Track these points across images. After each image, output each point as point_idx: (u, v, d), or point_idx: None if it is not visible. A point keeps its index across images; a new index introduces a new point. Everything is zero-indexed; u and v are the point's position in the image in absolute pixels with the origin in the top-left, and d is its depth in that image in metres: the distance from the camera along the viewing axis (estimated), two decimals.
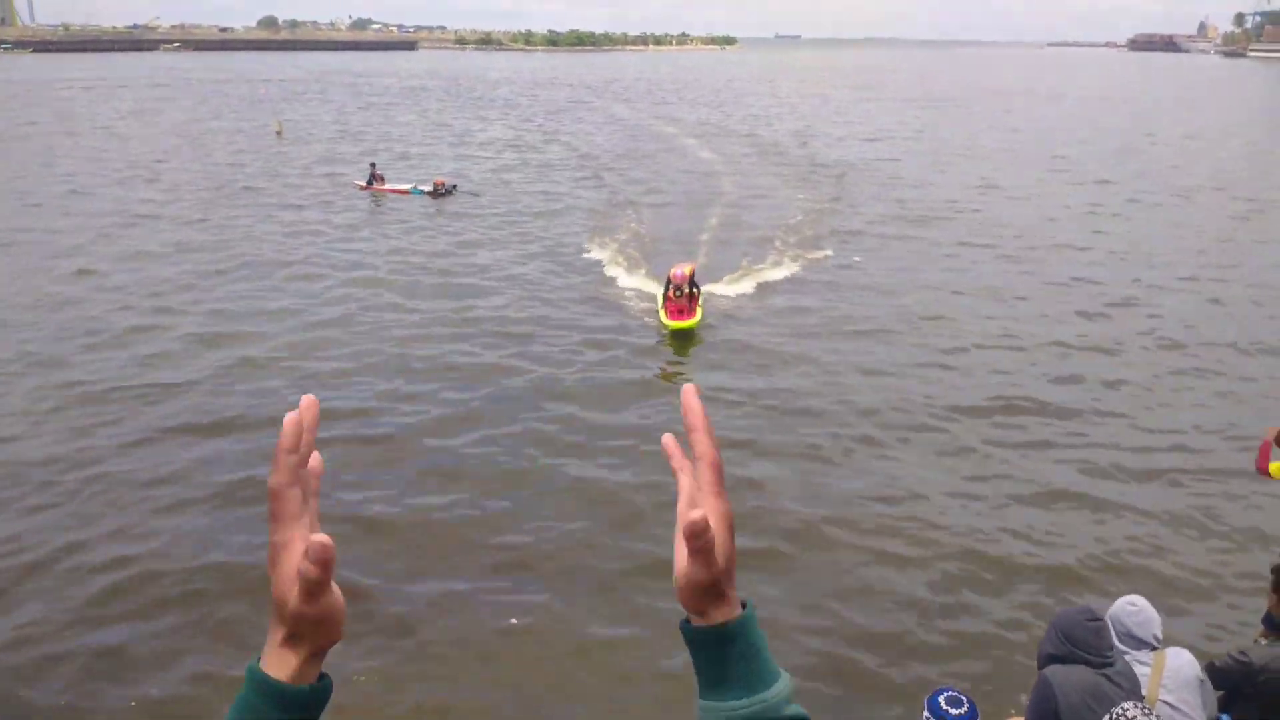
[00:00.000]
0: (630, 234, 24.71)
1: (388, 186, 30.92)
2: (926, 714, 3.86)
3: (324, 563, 0.88)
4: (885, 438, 12.58)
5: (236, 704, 0.94)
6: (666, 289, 16.85)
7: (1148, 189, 32.78)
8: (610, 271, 21.02)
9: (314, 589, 0.90)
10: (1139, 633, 4.38)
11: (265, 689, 0.92)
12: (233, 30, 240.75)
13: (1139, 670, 4.28)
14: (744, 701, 0.98)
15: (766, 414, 13.25)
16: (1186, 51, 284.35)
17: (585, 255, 22.62)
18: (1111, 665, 4.05)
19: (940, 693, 3.91)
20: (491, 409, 13.39)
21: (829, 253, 22.55)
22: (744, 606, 1.00)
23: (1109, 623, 4.40)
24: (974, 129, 53.59)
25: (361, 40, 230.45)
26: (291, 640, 0.93)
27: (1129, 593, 4.68)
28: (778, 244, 23.31)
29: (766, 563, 9.38)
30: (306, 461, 0.94)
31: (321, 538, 0.88)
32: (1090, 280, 20.40)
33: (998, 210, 28.61)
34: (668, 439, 1.04)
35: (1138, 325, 17.66)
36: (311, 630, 0.93)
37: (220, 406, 13.30)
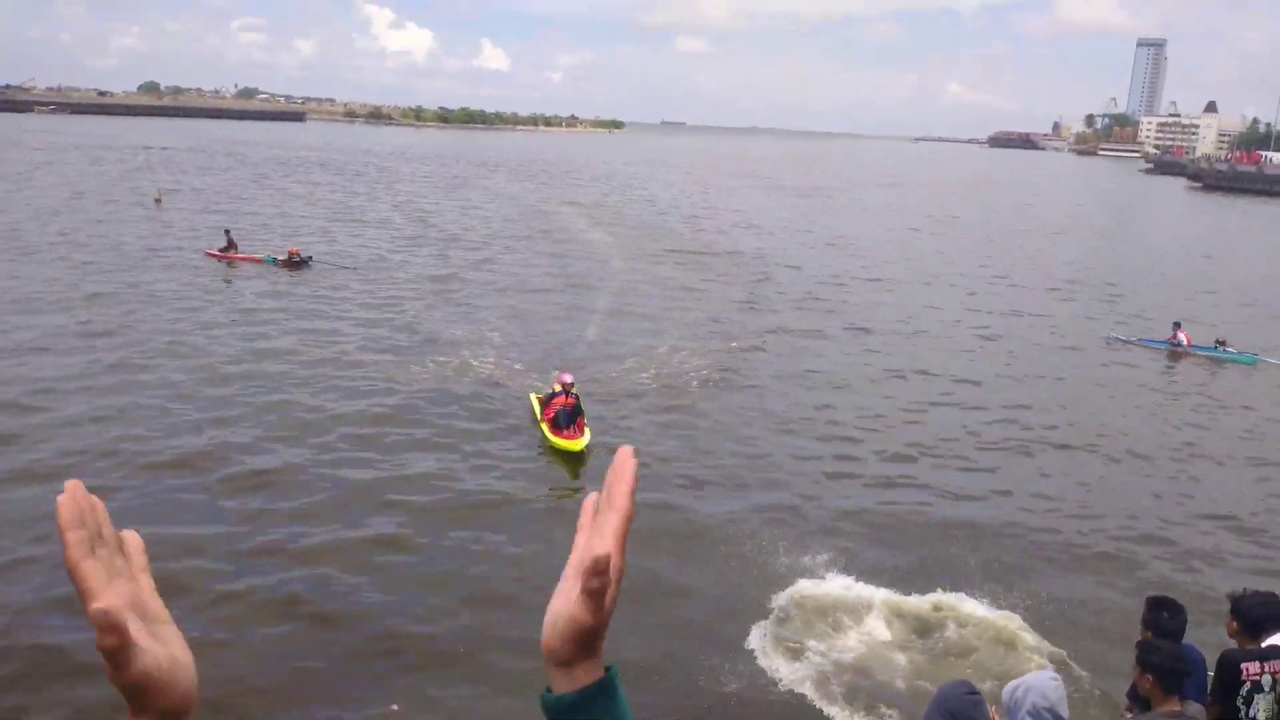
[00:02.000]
0: (508, 323, 23.74)
1: (241, 255, 30.08)
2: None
3: (108, 628, 0.81)
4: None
5: None
6: (549, 399, 15.20)
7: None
8: (483, 365, 19.60)
9: (113, 658, 0.83)
10: (1060, 709, 4.47)
11: None
12: (112, 95, 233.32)
13: None
14: None
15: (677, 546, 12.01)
16: (1042, 149, 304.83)
17: (456, 342, 21.39)
18: None
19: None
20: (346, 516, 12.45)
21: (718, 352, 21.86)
22: (607, 671, 0.95)
23: (1020, 694, 4.52)
24: (875, 220, 56.22)
25: (248, 109, 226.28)
26: (137, 714, 0.87)
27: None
28: (667, 342, 22.26)
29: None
30: (100, 535, 0.87)
31: (99, 603, 0.82)
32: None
33: (888, 297, 30.02)
34: (589, 500, 0.98)
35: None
36: (142, 698, 0.86)
37: None
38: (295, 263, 29.14)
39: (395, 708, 8.31)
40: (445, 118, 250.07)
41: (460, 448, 15.02)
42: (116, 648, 0.83)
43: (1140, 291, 33.69)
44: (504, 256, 34.55)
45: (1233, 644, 5.31)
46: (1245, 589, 5.68)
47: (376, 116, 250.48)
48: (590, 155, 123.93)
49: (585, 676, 0.94)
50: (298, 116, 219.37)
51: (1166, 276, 38.76)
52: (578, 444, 14.57)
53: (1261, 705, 5.07)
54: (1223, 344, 23.70)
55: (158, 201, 44.44)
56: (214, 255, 30.22)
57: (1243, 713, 5.07)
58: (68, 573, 0.84)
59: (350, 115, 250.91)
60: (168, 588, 0.93)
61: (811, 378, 20.34)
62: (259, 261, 29.63)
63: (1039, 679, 4.59)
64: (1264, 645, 5.16)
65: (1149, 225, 65.34)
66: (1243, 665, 5.06)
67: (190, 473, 13.38)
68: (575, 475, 14.40)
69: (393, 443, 15.04)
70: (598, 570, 0.90)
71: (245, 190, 54.20)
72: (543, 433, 15.11)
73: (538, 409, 15.82)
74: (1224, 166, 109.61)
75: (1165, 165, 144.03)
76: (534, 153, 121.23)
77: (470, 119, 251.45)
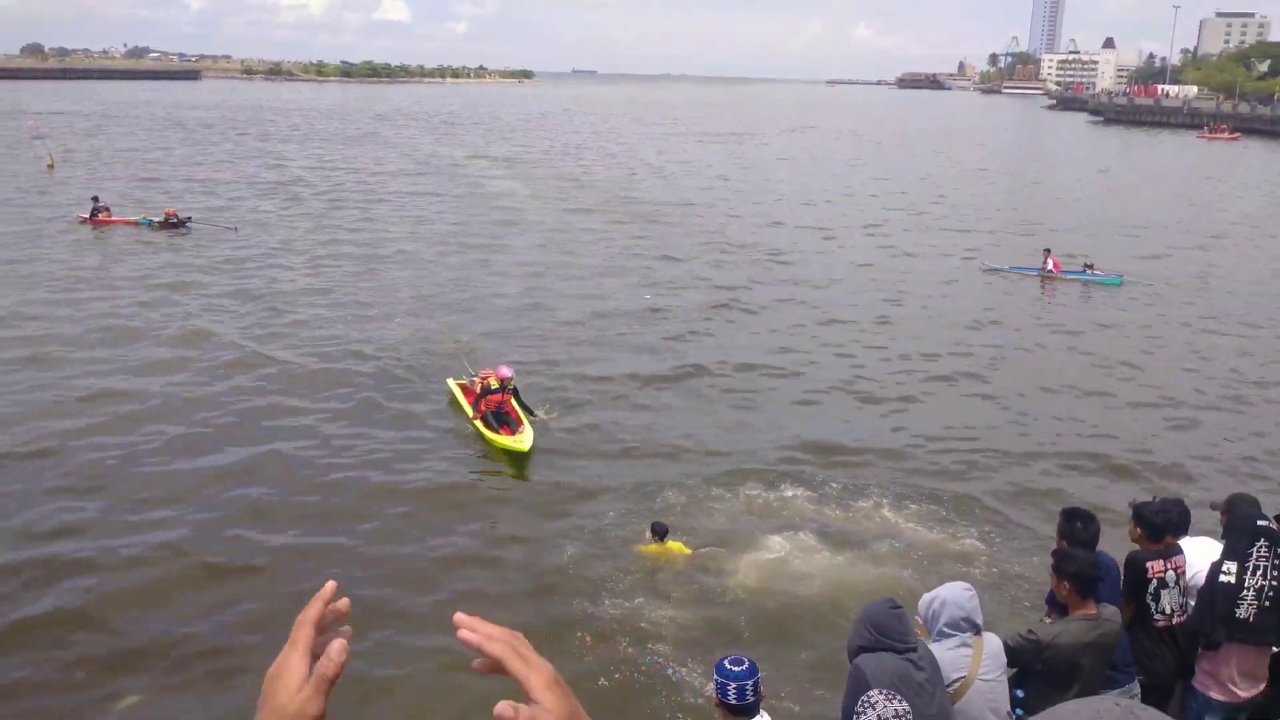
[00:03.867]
0: (413, 288, 22.42)
1: (114, 218, 29.06)
2: (715, 676, 4.25)
3: (343, 662, 1.03)
4: None
5: None
6: (485, 393, 13.50)
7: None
8: (394, 341, 18.13)
9: (327, 685, 1.02)
10: (975, 617, 4.66)
11: None
12: None
13: (962, 653, 4.57)
14: None
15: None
16: (949, 89, 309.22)
17: (364, 312, 20.16)
18: (914, 650, 4.32)
19: (725, 657, 4.32)
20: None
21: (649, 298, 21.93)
22: None
23: (937, 607, 4.68)
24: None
25: (140, 69, 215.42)
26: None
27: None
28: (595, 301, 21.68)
29: None
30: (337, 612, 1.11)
31: (339, 641, 1.03)
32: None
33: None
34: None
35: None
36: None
37: None
38: (172, 224, 28.17)
39: None
40: (348, 72, 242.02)
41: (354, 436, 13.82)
42: (335, 679, 1.03)
43: (1049, 224, 34.75)
44: (410, 214, 33.48)
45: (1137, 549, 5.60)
46: (1155, 496, 5.98)
47: (276, 73, 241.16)
48: (502, 107, 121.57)
49: None
50: (193, 75, 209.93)
51: (1076, 208, 40.00)
52: (521, 442, 12.90)
53: (1167, 599, 5.37)
54: (1091, 267, 25.14)
55: (50, 168, 42.48)
56: (86, 220, 29.04)
57: (1152, 608, 5.37)
58: (298, 621, 1.08)
59: (248, 72, 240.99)
60: None
61: (720, 324, 20.44)
62: (134, 224, 28.61)
63: (953, 590, 4.75)
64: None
65: (1058, 159, 67.00)
66: (1148, 564, 5.36)
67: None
68: (519, 475, 12.92)
69: (271, 430, 13.77)
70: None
71: (142, 152, 51.96)
72: (476, 429, 13.48)
73: (459, 396, 14.51)
74: (1123, 101, 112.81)
75: (1067, 101, 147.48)
76: (442, 106, 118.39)
77: (374, 73, 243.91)
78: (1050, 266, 25.19)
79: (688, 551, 10.58)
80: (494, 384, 13.51)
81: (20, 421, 13.81)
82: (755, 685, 4.15)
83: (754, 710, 4.15)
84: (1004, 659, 4.67)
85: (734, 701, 4.14)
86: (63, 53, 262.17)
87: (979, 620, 4.71)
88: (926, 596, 4.87)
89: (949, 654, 4.60)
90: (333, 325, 19.27)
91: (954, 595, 4.71)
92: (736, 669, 4.14)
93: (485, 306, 21.15)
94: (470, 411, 13.83)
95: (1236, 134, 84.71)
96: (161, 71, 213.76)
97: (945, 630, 4.68)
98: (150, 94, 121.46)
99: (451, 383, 15.09)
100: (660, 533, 10.61)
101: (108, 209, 29.42)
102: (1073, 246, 28.38)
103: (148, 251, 25.80)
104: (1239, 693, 5.37)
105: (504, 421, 13.36)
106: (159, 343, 17.93)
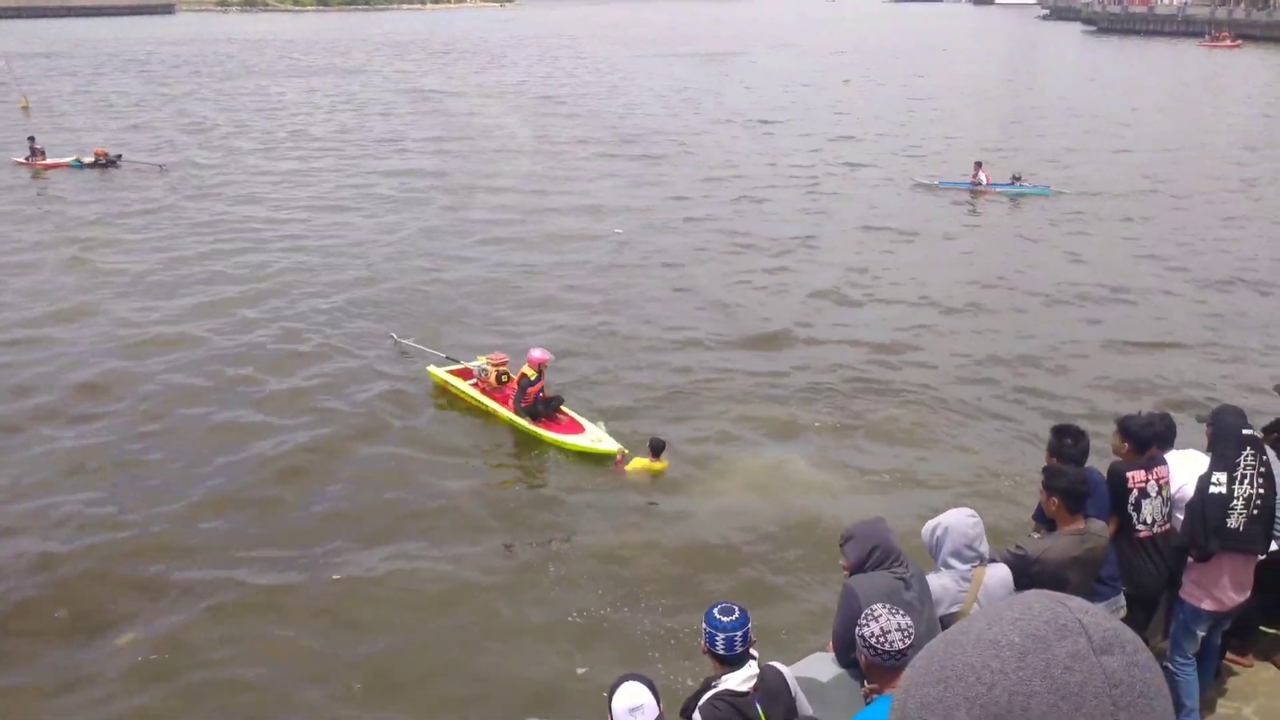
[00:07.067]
0: (376, 248, 20.64)
1: (47, 161, 28.69)
2: (705, 626, 4.11)
3: None
4: None
5: None
6: (527, 383, 11.99)
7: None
8: (331, 307, 16.68)
9: None
10: (979, 545, 4.66)
11: None
12: None
13: (961, 585, 4.61)
14: None
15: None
16: (940, 1, 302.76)
17: (300, 273, 18.72)
18: (904, 568, 4.40)
19: (715, 606, 4.16)
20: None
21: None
22: None
23: (940, 534, 4.71)
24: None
25: (109, 4, 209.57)
26: None
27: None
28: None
29: None
30: None
31: None
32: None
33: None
34: None
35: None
36: None
37: None
38: (103, 164, 27.85)
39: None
40: (325, 1, 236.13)
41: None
42: None
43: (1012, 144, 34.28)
44: (375, 159, 31.69)
45: None
46: (1140, 411, 6.02)
47: (251, 4, 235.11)
48: (487, 32, 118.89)
49: None
50: (167, 9, 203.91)
51: (1066, 123, 39.49)
52: (600, 443, 11.50)
53: (1148, 509, 5.46)
54: (1019, 179, 25.44)
55: (25, 109, 41.73)
56: (22, 163, 28.72)
57: (1134, 519, 5.45)
58: None
59: (223, 4, 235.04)
60: None
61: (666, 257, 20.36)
62: (64, 166, 28.26)
63: (956, 518, 4.74)
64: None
65: (1043, 77, 65.91)
66: (1128, 474, 5.43)
67: None
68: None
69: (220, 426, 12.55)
70: None
71: (116, 93, 50.99)
72: (533, 433, 11.93)
73: (452, 380, 13.01)
74: (1117, 9, 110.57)
75: (1061, 11, 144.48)
76: (424, 33, 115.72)
77: (352, 1, 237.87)
78: (981, 179, 25.46)
79: (661, 465, 10.82)
80: (532, 374, 12.04)
81: None
82: (745, 636, 4.04)
83: (743, 660, 4.06)
84: (1009, 592, 4.58)
85: (722, 652, 4.05)
86: None
87: (984, 549, 4.68)
88: (929, 524, 4.84)
89: (948, 584, 4.60)
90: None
91: (957, 522, 4.69)
92: (726, 619, 4.03)
93: (461, 269, 19.50)
94: (468, 392, 12.76)
95: (1238, 41, 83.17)
96: (133, 6, 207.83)
97: (949, 561, 4.67)
98: (121, 30, 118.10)
99: (434, 371, 13.49)
100: (657, 449, 10.78)
101: (43, 151, 29.09)
102: (1031, 163, 28.35)
103: (74, 195, 25.36)
104: (1226, 601, 5.48)
105: (551, 413, 12.14)
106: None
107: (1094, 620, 0.90)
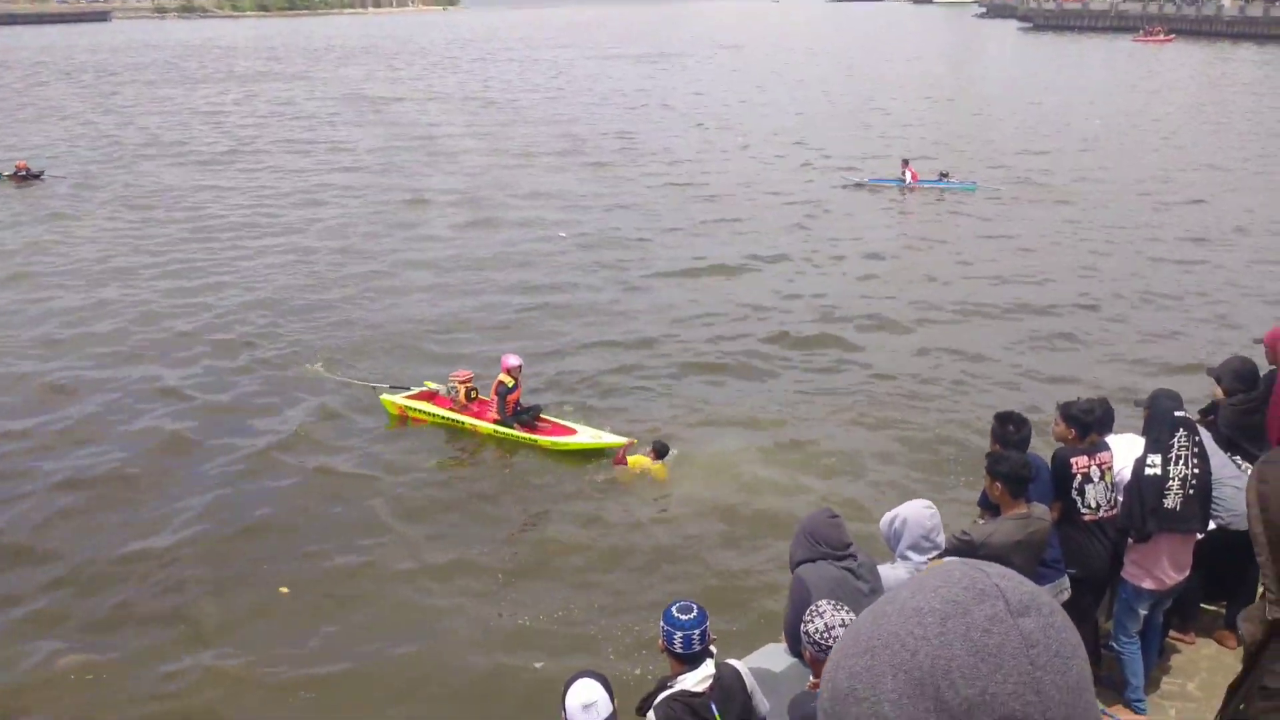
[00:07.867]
0: (307, 260, 19.99)
1: None
2: (663, 624, 4.08)
3: None
4: None
5: None
6: (506, 390, 11.74)
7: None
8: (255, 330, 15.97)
9: None
10: (936, 536, 4.71)
11: None
12: None
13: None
14: None
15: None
16: (881, 0, 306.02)
17: (222, 290, 17.94)
18: (854, 559, 4.43)
19: (674, 604, 4.14)
20: None
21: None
22: None
23: (899, 526, 4.75)
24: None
25: (45, 13, 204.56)
26: None
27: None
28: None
29: None
30: None
31: None
32: None
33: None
34: None
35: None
36: None
37: None
38: (23, 177, 26.99)
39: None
40: (265, 5, 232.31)
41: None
42: None
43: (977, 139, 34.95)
44: (309, 168, 30.80)
45: None
46: (1078, 398, 6.15)
47: (189, 9, 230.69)
48: (429, 36, 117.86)
49: None
50: (102, 16, 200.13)
51: (1008, 121, 40.17)
52: (601, 440, 11.37)
53: (1092, 493, 5.56)
54: (946, 175, 26.03)
55: None
56: None
57: (1079, 503, 5.55)
58: None
59: (160, 10, 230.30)
60: None
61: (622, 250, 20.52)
62: None
63: (914, 509, 4.79)
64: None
65: (976, 75, 67.03)
66: (1072, 460, 5.53)
67: None
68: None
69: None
70: None
71: (45, 104, 49.66)
72: (527, 440, 11.66)
73: (414, 405, 12.47)
74: (1052, 6, 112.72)
75: (997, 9, 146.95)
76: (367, 39, 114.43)
77: (293, 5, 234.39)
78: (909, 177, 25.96)
79: (661, 468, 10.87)
80: (510, 381, 11.80)
81: None
82: (703, 634, 4.03)
83: (701, 658, 4.05)
84: None
85: (680, 651, 4.03)
86: None
87: (940, 540, 4.71)
88: (887, 516, 4.87)
89: (904, 577, 4.58)
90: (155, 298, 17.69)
91: (914, 514, 4.74)
92: (684, 617, 4.01)
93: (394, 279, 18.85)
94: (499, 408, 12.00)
95: (1171, 35, 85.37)
96: (69, 14, 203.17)
97: (907, 554, 4.69)
98: (59, 39, 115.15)
99: (388, 399, 12.76)
100: (661, 452, 10.80)
101: None
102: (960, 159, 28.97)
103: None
104: (1166, 580, 5.61)
105: (533, 419, 11.94)
106: None
107: (1011, 584, 0.92)
